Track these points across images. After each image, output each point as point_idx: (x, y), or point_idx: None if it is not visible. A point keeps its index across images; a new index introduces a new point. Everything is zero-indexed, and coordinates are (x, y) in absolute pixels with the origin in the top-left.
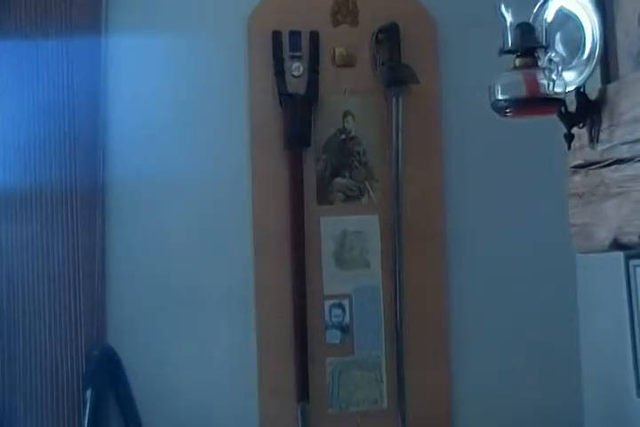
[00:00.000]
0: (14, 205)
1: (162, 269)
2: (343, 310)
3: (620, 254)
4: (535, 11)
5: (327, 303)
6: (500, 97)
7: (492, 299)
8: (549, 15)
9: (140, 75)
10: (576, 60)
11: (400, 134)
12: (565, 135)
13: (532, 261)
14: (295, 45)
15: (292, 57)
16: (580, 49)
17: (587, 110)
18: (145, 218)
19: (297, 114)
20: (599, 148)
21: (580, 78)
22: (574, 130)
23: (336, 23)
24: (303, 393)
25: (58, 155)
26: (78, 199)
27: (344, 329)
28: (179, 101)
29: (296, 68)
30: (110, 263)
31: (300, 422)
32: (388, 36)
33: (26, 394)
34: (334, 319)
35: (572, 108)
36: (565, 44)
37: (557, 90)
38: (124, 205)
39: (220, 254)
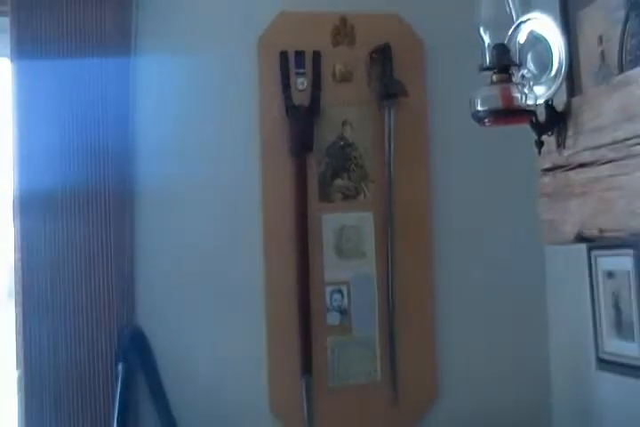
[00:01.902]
0: (56, 204)
1: (184, 261)
2: (342, 295)
3: (584, 246)
4: (510, 33)
5: (328, 289)
6: (479, 108)
7: (472, 284)
8: (522, 37)
9: (164, 91)
10: (545, 76)
11: (392, 141)
12: (536, 142)
13: (508, 251)
14: (300, 63)
15: (298, 73)
16: (548, 67)
17: (554, 120)
18: (169, 216)
19: (301, 123)
20: (565, 153)
21: (549, 92)
22: (544, 137)
23: (336, 44)
24: (307, 368)
25: (93, 162)
26: (111, 199)
27: (343, 312)
28: (198, 114)
29: (301, 83)
30: (139, 256)
31: (304, 394)
32: (382, 55)
33: (67, 367)
34: (334, 303)
35: (542, 118)
36: (536, 62)
37: (529, 102)
38: (151, 205)
39: (235, 247)
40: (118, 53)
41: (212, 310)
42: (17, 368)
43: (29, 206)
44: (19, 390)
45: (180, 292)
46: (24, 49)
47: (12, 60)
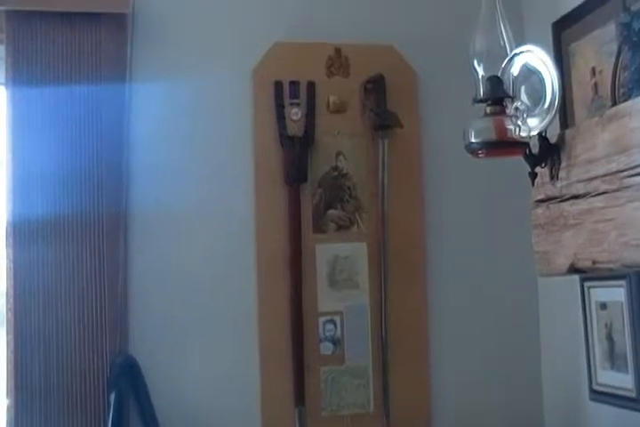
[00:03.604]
0: (49, 230)
1: (177, 289)
2: (335, 325)
3: (577, 277)
4: (503, 66)
5: (321, 319)
6: (473, 140)
7: (465, 315)
8: (516, 70)
9: (159, 118)
10: (538, 108)
11: (386, 172)
12: (530, 173)
13: (501, 282)
14: (294, 94)
15: (292, 104)
16: (541, 99)
17: (548, 152)
18: (163, 243)
19: (295, 153)
20: (558, 184)
21: (542, 124)
22: (537, 169)
23: (330, 75)
24: (300, 398)
25: (87, 186)
26: (104, 225)
27: (336, 342)
28: (192, 142)
29: (295, 114)
30: (132, 283)
31: (297, 424)
32: (376, 86)
33: (58, 395)
34: (327, 333)
35: (536, 150)
36: (529, 94)
37: (523, 134)
38: (145, 231)
39: (228, 276)
40: (113, 80)
41: (205, 339)
42: (7, 397)
43: (22, 233)
44: (8, 420)
45: (173, 320)
46: (20, 76)
47: (7, 87)
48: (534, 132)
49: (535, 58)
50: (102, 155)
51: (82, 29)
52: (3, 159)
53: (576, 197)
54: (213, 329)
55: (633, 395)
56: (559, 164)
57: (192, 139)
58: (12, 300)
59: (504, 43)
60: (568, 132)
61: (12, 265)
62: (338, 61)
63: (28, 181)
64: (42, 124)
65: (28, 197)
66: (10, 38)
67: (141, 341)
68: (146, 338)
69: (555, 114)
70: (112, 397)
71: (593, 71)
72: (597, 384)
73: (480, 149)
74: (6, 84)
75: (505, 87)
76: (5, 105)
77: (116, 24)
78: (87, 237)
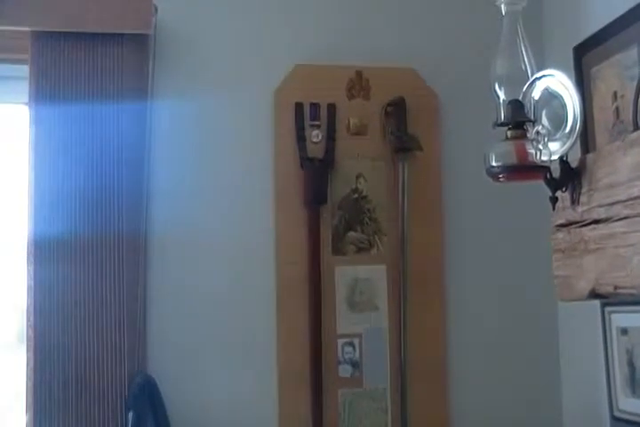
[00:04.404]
0: (69, 250)
1: (196, 309)
2: (354, 347)
3: (597, 302)
4: (524, 89)
5: (340, 341)
6: (493, 164)
7: (485, 339)
8: (537, 94)
9: (180, 139)
10: (560, 132)
11: (405, 194)
12: (550, 198)
13: (520, 306)
14: (315, 116)
15: (312, 126)
16: (563, 123)
17: (569, 176)
18: (182, 264)
19: (316, 175)
20: (579, 209)
21: (563, 149)
22: (558, 193)
23: (351, 97)
24: (318, 421)
25: (107, 206)
26: (124, 246)
27: (355, 364)
28: (213, 162)
29: (315, 136)
30: (151, 302)
31: None
32: (396, 109)
33: (77, 413)
34: (346, 356)
35: (557, 174)
36: (550, 118)
37: (544, 158)
38: (164, 253)
39: (248, 298)
40: (135, 100)
41: (224, 360)
42: (26, 413)
43: (43, 252)
44: None
45: (192, 341)
46: (43, 95)
47: (30, 107)
48: (555, 157)
49: (556, 82)
50: (123, 174)
51: (104, 49)
52: (24, 178)
53: (597, 221)
54: (232, 350)
55: None
56: (580, 188)
57: (212, 160)
58: (32, 317)
59: (525, 67)
60: (589, 156)
61: (32, 283)
62: (359, 84)
63: (49, 200)
64: (64, 144)
65: (50, 216)
66: (34, 58)
67: (160, 361)
68: (164, 358)
69: (576, 138)
70: (130, 416)
71: (615, 96)
72: (619, 411)
73: (500, 173)
74: (29, 104)
75: (526, 111)
76: (28, 124)
77: (139, 44)
78: (107, 257)
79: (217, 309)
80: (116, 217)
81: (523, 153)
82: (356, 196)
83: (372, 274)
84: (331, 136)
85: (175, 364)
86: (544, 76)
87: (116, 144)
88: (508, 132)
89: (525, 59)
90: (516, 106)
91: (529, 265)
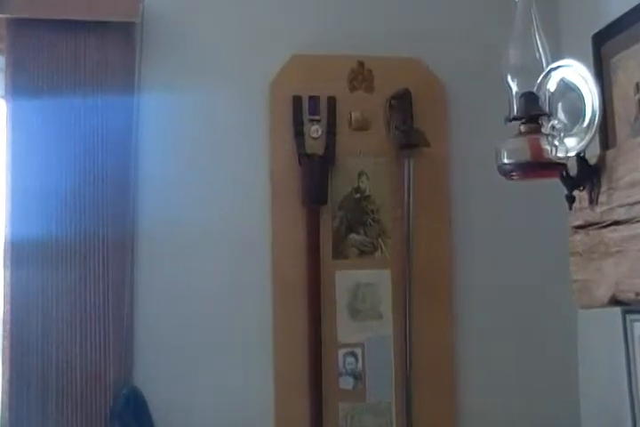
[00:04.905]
0: (50, 252)
1: (186, 315)
2: (356, 358)
3: (618, 309)
4: (539, 81)
5: (341, 351)
6: (505, 161)
7: (497, 349)
8: (552, 85)
9: (170, 133)
10: (577, 127)
11: (411, 194)
12: (567, 197)
13: (536, 313)
14: (314, 109)
15: (311, 120)
16: (580, 117)
17: (587, 174)
18: (172, 267)
19: (315, 173)
20: (598, 209)
21: (581, 144)
22: (575, 192)
23: (352, 89)
24: None
25: (91, 205)
26: (109, 247)
27: (357, 376)
28: (204, 159)
29: (315, 131)
30: (138, 308)
31: None
32: (401, 102)
33: None
34: (348, 367)
35: (574, 172)
36: (567, 112)
37: (560, 155)
38: (153, 254)
39: (242, 304)
40: (121, 92)
41: (216, 370)
42: None
43: (21, 255)
44: None
45: (182, 349)
46: (21, 88)
47: (7, 100)
48: (572, 153)
49: (574, 73)
50: (108, 171)
51: (88, 38)
52: (1, 176)
53: (618, 222)
54: (225, 360)
55: None
56: (599, 187)
57: (204, 156)
58: (8, 326)
59: (540, 56)
60: (609, 152)
61: (9, 289)
62: (361, 75)
63: (28, 198)
64: (44, 139)
65: (28, 216)
66: (10, 48)
67: (147, 371)
68: (152, 368)
69: (594, 133)
70: None
71: (637, 87)
72: None
73: (513, 171)
74: (6, 97)
75: (541, 104)
76: (5, 118)
77: (125, 33)
78: (91, 259)
79: (209, 316)
80: (101, 216)
81: (537, 149)
82: (358, 195)
83: (376, 279)
84: (331, 131)
85: (164, 374)
86: (560, 66)
87: (100, 139)
88: (522, 127)
89: (540, 47)
90: (530, 98)
91: (544, 270)
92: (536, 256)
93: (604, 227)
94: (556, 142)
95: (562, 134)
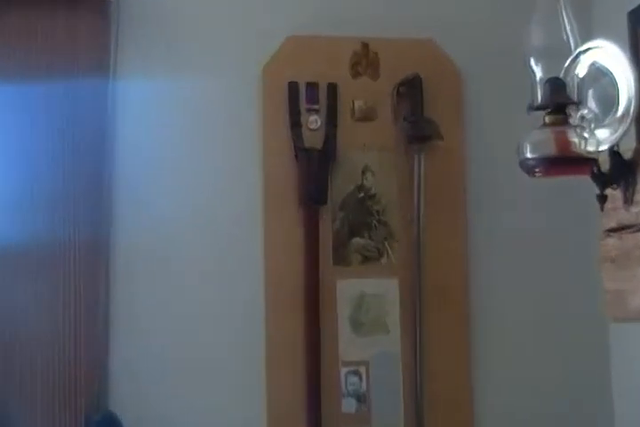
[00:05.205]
0: (13, 261)
1: (168, 331)
2: (360, 377)
3: None
4: (567, 65)
5: (343, 370)
6: (528, 155)
7: (518, 369)
8: (582, 70)
9: (150, 124)
10: (610, 117)
11: (422, 193)
12: (598, 196)
13: (562, 326)
14: (312, 98)
15: (309, 110)
16: (614, 106)
17: (621, 171)
18: (152, 275)
19: (313, 169)
20: (634, 210)
21: (614, 137)
22: (608, 191)
23: (355, 75)
24: None
25: (61, 206)
26: (81, 253)
27: (360, 398)
28: (189, 153)
29: (313, 122)
30: (114, 324)
31: None
32: (411, 89)
33: None
34: (350, 387)
35: (606, 167)
36: (599, 100)
37: (590, 149)
38: (131, 263)
39: (231, 317)
40: (94, 77)
41: (201, 394)
42: None
43: None
44: None
45: (163, 369)
46: None
47: None
48: (604, 147)
49: (606, 55)
50: (80, 166)
51: (57, 17)
52: None
53: None
54: (211, 381)
55: None
56: (635, 185)
57: (188, 150)
58: None
59: (567, 37)
60: None
61: None
62: (365, 59)
63: None
64: (5, 131)
65: None
66: None
67: (124, 394)
68: (129, 391)
69: (630, 124)
70: None
71: None
72: None
73: (537, 167)
74: None
75: (568, 91)
76: None
77: (99, 11)
78: (60, 268)
79: (194, 332)
80: (70, 221)
81: (564, 142)
82: (361, 194)
83: (382, 289)
84: (331, 122)
85: (142, 398)
86: (591, 48)
87: (70, 131)
88: (547, 118)
89: (568, 27)
90: (557, 85)
91: (572, 277)
92: (563, 263)
93: None
94: (586, 134)
95: (592, 125)
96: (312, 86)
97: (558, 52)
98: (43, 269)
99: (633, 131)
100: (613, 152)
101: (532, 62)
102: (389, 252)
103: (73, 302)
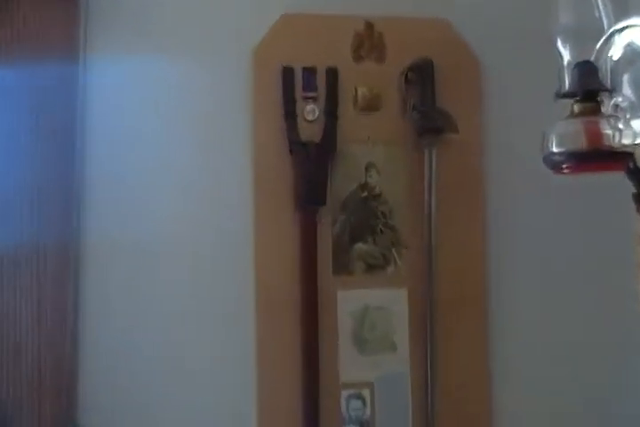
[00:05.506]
0: None
1: (144, 343)
2: (363, 401)
3: None
4: (599, 46)
5: (344, 394)
6: (554, 150)
7: (545, 394)
8: (616, 52)
9: (125, 115)
10: None
11: (434, 192)
12: (634, 196)
13: (592, 339)
14: (309, 84)
15: (306, 98)
16: None
17: None
18: (126, 285)
19: (310, 166)
20: None
21: None
22: None
23: (358, 58)
24: None
25: (23, 208)
26: (47, 260)
27: (364, 425)
28: (169, 148)
29: (310, 112)
30: (84, 336)
31: None
32: (421, 75)
33: None
34: (352, 413)
35: None
36: (636, 86)
37: (625, 141)
38: (102, 269)
39: (217, 331)
40: (61, 63)
41: (182, 411)
42: None
43: None
44: None
45: (138, 384)
46: None
47: None
48: None
49: None
50: (45, 163)
51: None
52: None
53: None
54: (193, 400)
55: None
56: None
57: (168, 143)
58: None
59: (600, 15)
60: None
61: None
62: (369, 41)
63: None
64: None
65: None
66: None
67: (94, 409)
68: (100, 406)
69: None
70: None
71: None
72: None
73: (565, 163)
74: None
75: (601, 76)
76: None
77: None
78: (23, 276)
79: (173, 343)
80: (34, 218)
81: (596, 134)
82: (365, 194)
83: (389, 301)
84: (331, 112)
85: (115, 414)
86: (627, 26)
87: (34, 120)
88: (576, 107)
89: (600, 3)
90: (587, 70)
91: (602, 284)
92: (594, 270)
93: None
94: (621, 125)
95: (628, 115)
96: (309, 71)
97: (589, 32)
98: (4, 276)
99: None
100: None
101: (560, 44)
102: (397, 259)
103: (37, 309)
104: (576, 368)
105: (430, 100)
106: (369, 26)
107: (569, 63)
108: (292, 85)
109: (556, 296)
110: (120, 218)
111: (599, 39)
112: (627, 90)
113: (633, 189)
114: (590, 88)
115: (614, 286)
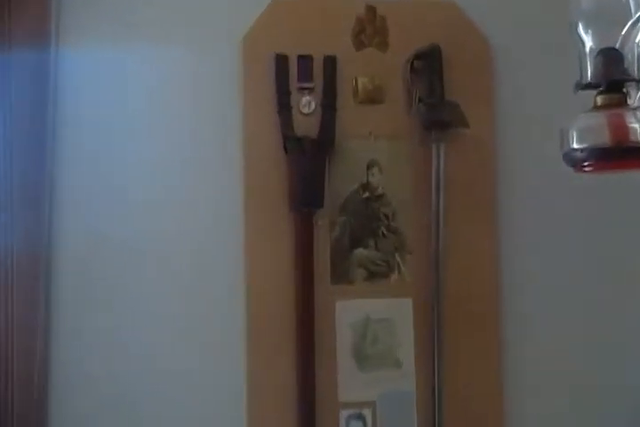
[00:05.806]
0: None
1: (124, 365)
2: (364, 422)
3: None
4: (624, 32)
5: (343, 414)
6: (575, 146)
7: (560, 413)
8: None
9: (101, 106)
10: None
11: (441, 192)
12: None
13: (613, 352)
14: (305, 74)
15: (302, 89)
16: None
17: None
18: (102, 293)
19: (306, 163)
20: None
21: None
22: None
23: (359, 46)
24: None
25: None
26: (14, 269)
27: None
28: (150, 144)
29: (306, 104)
30: (54, 358)
31: None
32: (428, 64)
33: None
34: None
35: None
36: None
37: None
38: (75, 278)
39: (204, 346)
40: (32, 48)
41: None
42: None
43: None
44: None
45: (117, 410)
46: None
47: None
48: None
49: None
50: (13, 159)
51: None
52: None
53: None
54: (179, 424)
55: None
56: None
57: (150, 141)
58: None
59: None
60: None
61: None
62: (371, 26)
63: None
64: None
65: None
66: None
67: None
68: (78, 412)
69: None
70: None
71: None
72: None
73: (587, 160)
74: None
75: (626, 65)
76: None
77: None
78: None
79: (156, 364)
80: (2, 226)
81: (621, 129)
82: (366, 194)
83: (392, 312)
84: (329, 104)
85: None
86: None
87: (2, 113)
88: (599, 99)
89: None
90: (612, 57)
91: (622, 287)
92: (613, 275)
93: None
94: None
95: None
96: (305, 60)
97: (614, 17)
98: None
99: None
100: None
101: (581, 29)
102: (401, 266)
103: (4, 324)
104: (599, 382)
105: (438, 90)
106: (370, 9)
107: (591, 50)
108: (286, 75)
109: (573, 307)
110: (97, 220)
111: (625, 24)
112: None
113: None
114: (615, 78)
115: (632, 288)
